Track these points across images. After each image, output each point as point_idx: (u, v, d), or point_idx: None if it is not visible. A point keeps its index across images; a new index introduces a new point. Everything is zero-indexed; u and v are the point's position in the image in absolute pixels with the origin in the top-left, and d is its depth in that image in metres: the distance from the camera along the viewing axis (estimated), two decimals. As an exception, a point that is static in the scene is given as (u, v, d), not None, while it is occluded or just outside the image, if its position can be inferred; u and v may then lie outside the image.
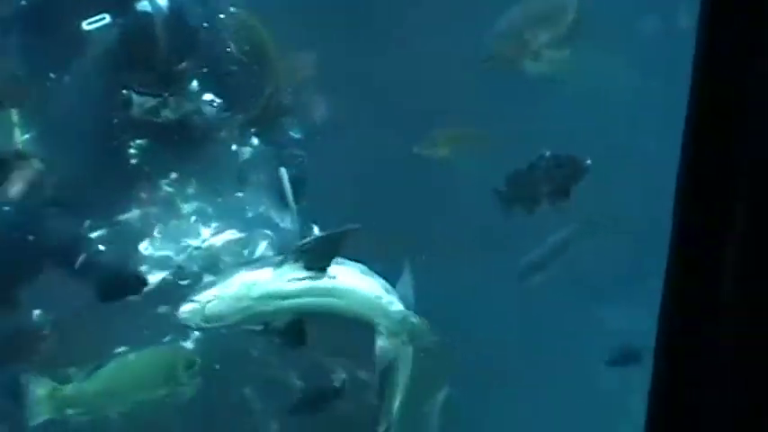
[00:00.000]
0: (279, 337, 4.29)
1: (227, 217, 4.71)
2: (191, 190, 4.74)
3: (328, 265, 4.05)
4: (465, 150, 7.03)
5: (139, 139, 4.64)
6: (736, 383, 1.26)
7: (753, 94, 1.21)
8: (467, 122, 7.30)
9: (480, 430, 8.17)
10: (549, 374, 8.68)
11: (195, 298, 4.03)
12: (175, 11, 4.40)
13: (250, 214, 4.75)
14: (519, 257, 8.44)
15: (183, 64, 4.44)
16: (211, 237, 4.60)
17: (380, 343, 4.29)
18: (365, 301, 4.22)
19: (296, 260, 4.03)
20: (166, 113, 4.51)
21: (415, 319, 4.33)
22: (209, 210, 4.70)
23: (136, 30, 4.44)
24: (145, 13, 4.37)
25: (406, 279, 4.45)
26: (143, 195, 4.75)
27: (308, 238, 4.24)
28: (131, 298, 4.50)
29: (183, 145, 4.70)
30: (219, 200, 4.75)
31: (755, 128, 1.23)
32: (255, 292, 4.01)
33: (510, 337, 8.49)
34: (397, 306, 4.31)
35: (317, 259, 4.03)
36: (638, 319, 8.75)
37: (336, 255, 4.09)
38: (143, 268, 4.56)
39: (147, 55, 4.41)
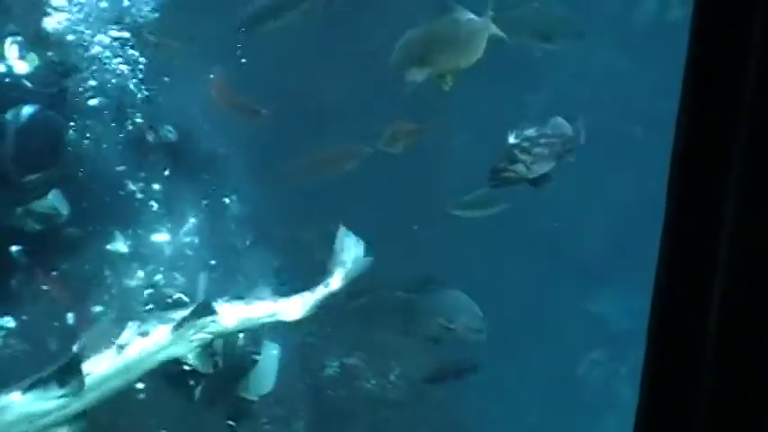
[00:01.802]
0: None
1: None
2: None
3: (79, 384, 4.02)
4: (415, 141, 7.06)
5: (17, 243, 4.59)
6: (726, 371, 1.25)
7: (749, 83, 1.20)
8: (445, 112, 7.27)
9: (468, 419, 8.19)
10: (535, 364, 8.68)
11: None
12: (24, 127, 4.38)
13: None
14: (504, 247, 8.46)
15: (35, 175, 4.42)
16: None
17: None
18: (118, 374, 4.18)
19: (46, 383, 3.99)
20: (30, 224, 4.50)
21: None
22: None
23: None
24: None
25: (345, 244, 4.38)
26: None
27: (46, 372, 4.08)
28: None
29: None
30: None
31: (748, 116, 1.22)
32: (9, 416, 3.95)
33: (495, 326, 8.50)
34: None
35: (65, 384, 4.03)
36: (624, 307, 8.78)
37: (80, 375, 4.03)
38: None
39: None
